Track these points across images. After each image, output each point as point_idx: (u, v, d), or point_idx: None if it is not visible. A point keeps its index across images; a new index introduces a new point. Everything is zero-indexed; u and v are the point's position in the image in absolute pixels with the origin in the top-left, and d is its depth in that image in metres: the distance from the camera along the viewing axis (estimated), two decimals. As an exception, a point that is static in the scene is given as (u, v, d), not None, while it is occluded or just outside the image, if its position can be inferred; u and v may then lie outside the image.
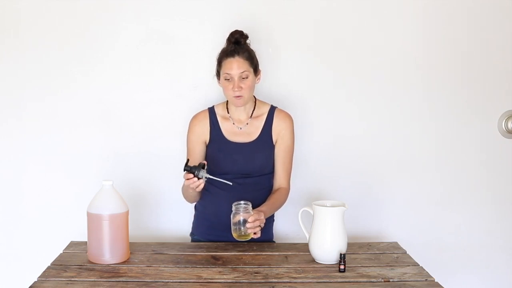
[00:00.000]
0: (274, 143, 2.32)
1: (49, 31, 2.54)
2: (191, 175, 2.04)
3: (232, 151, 2.29)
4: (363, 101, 2.64)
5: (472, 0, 2.60)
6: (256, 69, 2.24)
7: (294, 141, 2.34)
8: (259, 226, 2.07)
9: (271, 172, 2.35)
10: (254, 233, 2.06)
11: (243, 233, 2.02)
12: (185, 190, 2.25)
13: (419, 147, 2.68)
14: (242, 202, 2.04)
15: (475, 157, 2.71)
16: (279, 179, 2.34)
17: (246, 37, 2.25)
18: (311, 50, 2.60)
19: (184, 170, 2.06)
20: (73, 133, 2.59)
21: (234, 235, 2.03)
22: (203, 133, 2.31)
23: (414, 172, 2.69)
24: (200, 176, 2.04)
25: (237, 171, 2.28)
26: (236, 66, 2.17)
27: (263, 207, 2.19)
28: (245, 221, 2.01)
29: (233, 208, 2.04)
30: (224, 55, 2.21)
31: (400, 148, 2.68)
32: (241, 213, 2.02)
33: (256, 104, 2.33)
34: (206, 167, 2.06)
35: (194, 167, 2.04)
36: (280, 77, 2.59)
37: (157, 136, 2.61)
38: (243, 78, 2.18)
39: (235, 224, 2.03)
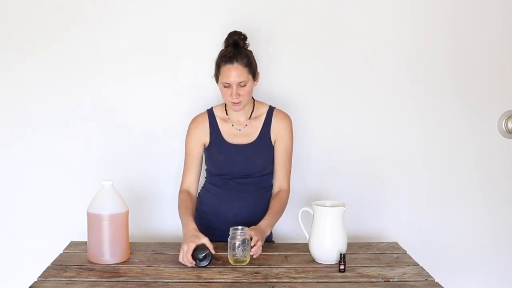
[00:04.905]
0: (273, 143, 2.31)
1: (49, 32, 2.53)
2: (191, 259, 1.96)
3: (232, 153, 2.28)
4: (363, 101, 2.64)
5: (472, -1, 2.62)
6: (254, 74, 2.22)
7: (293, 141, 2.34)
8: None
9: (270, 173, 2.35)
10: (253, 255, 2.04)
11: (240, 258, 2.00)
12: (179, 210, 2.23)
13: (419, 147, 2.68)
14: (239, 227, 2.01)
15: (476, 157, 2.71)
16: (278, 180, 2.33)
17: (245, 38, 2.22)
18: (311, 49, 2.60)
19: (197, 259, 1.96)
20: (73, 133, 2.59)
21: (231, 260, 2.00)
22: (203, 136, 2.30)
23: (414, 172, 2.69)
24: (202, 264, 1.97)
25: (237, 172, 2.28)
26: (235, 74, 2.14)
27: (265, 221, 2.17)
28: (241, 246, 1.99)
29: (230, 232, 2.01)
30: (223, 60, 2.16)
31: (400, 148, 2.68)
32: (238, 238, 1.99)
33: (255, 105, 2.33)
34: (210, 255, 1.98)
35: (203, 257, 1.96)
36: (280, 77, 2.59)
37: (157, 136, 2.61)
38: (241, 86, 2.16)
39: (232, 249, 1.99)
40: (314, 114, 2.63)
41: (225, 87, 2.17)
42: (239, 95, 2.16)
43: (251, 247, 2.01)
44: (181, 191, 2.30)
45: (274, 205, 2.26)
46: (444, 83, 2.65)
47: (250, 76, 2.18)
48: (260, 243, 2.04)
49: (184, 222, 2.14)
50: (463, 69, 2.65)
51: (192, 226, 2.09)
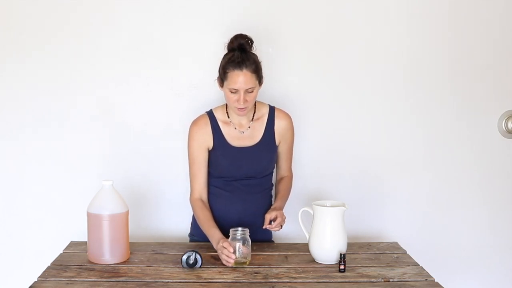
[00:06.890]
0: (277, 144, 2.31)
1: (50, 31, 2.53)
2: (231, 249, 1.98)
3: (236, 156, 2.26)
4: (363, 101, 2.64)
5: (474, -1, 2.62)
6: (261, 79, 2.18)
7: (294, 136, 2.36)
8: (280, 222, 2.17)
9: (271, 173, 2.36)
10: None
11: (241, 259, 1.99)
12: (201, 225, 2.22)
13: (419, 147, 2.68)
14: (239, 228, 2.01)
15: (476, 157, 2.71)
16: (282, 171, 2.37)
17: (252, 42, 2.18)
18: (311, 50, 2.60)
19: (188, 265, 1.97)
20: (73, 133, 2.59)
21: None
22: (206, 139, 2.26)
23: (415, 172, 2.69)
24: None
25: (242, 175, 2.27)
26: (243, 80, 2.09)
27: (277, 203, 2.25)
28: (241, 248, 1.99)
29: (230, 233, 2.01)
30: (231, 65, 2.10)
31: (400, 148, 2.67)
32: (238, 239, 1.99)
33: (256, 106, 2.30)
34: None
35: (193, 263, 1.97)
36: (281, 77, 2.59)
37: (157, 135, 2.61)
38: (249, 92, 2.13)
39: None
40: (314, 114, 2.63)
41: (231, 92, 2.13)
42: (246, 101, 2.13)
43: (271, 223, 2.15)
44: (194, 200, 2.26)
45: (281, 189, 2.33)
46: (444, 83, 2.65)
47: (257, 82, 2.16)
48: (279, 218, 2.16)
49: (210, 234, 2.13)
50: (463, 69, 2.65)
51: (220, 235, 2.08)
